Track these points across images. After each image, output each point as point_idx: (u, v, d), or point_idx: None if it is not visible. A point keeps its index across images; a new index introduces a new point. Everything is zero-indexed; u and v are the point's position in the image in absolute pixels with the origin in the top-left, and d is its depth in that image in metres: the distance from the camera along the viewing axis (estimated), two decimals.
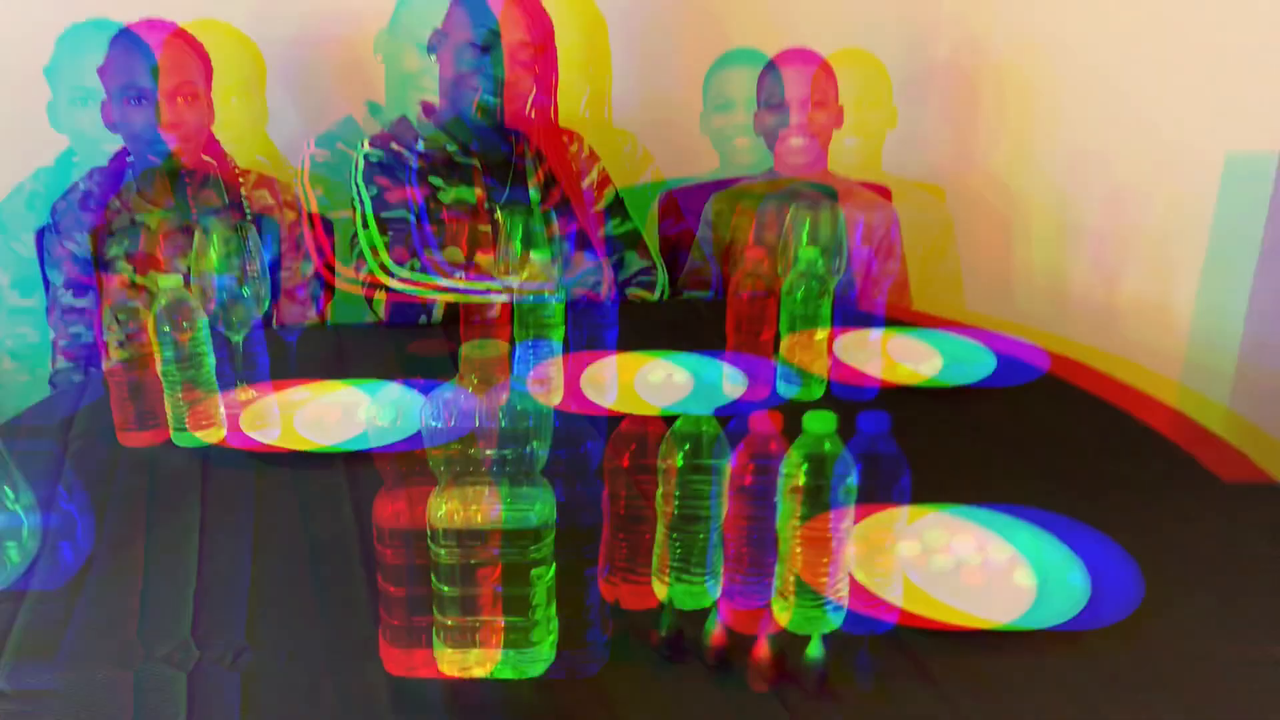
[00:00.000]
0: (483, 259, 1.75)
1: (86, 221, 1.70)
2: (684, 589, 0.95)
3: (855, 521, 0.89)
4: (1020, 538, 1.06)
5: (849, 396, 1.39)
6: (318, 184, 1.75)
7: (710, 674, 0.89)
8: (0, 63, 1.98)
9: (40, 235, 1.77)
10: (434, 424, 0.81)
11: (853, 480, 0.89)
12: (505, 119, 1.77)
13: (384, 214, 1.69)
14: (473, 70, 1.71)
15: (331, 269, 1.65)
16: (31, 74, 1.90)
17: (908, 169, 2.36)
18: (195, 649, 0.90)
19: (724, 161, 2.01)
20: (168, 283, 1.23)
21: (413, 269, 1.64)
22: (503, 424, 0.81)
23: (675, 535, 0.95)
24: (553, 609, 0.88)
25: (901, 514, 1.06)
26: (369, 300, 1.64)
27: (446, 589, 0.85)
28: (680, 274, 1.98)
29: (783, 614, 0.93)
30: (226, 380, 1.35)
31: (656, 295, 1.78)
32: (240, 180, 1.77)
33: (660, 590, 0.97)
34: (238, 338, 1.36)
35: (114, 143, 1.74)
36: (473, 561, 0.84)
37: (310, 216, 1.73)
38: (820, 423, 0.88)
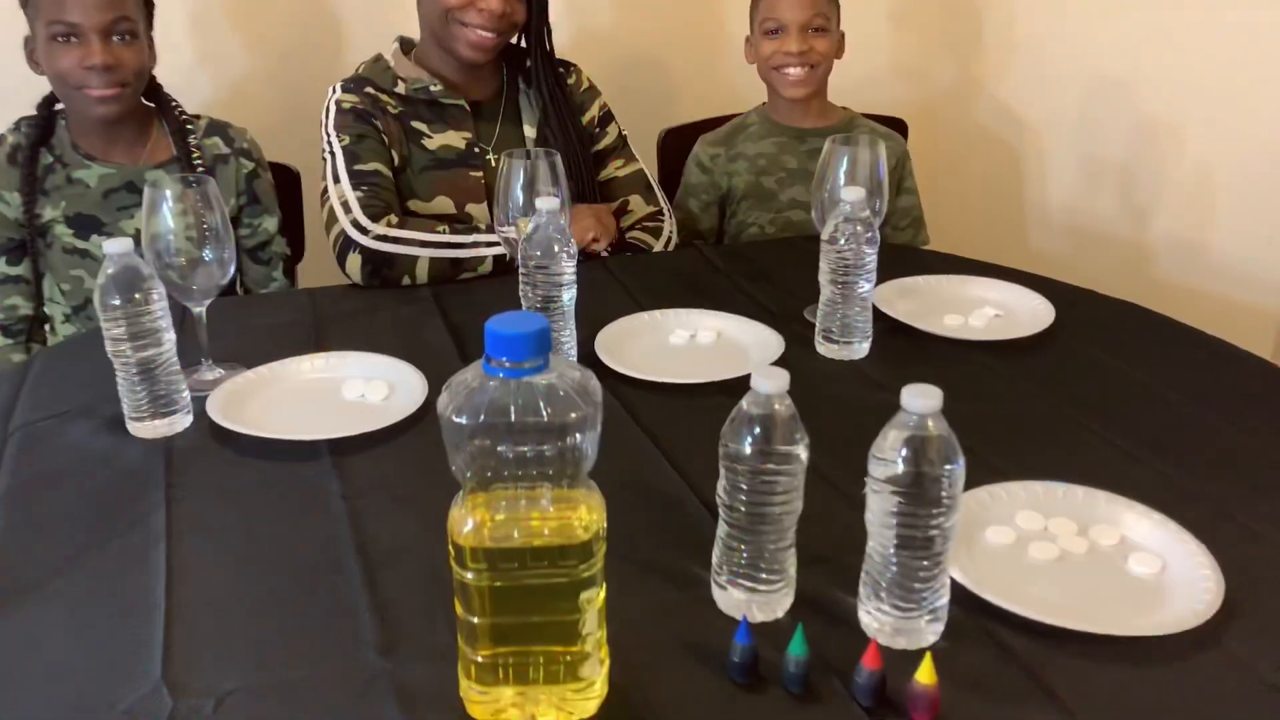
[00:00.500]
0: (475, 209, 1.57)
1: (15, 179, 1.49)
2: (760, 597, 0.80)
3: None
4: (1124, 515, 0.92)
5: (895, 354, 1.24)
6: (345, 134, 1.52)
7: (796, 704, 0.74)
8: None
9: None
10: (455, 417, 0.65)
11: (960, 467, 0.74)
12: (497, 52, 1.58)
13: (357, 166, 1.50)
14: (465, 1, 1.51)
15: (361, 228, 1.44)
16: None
17: (901, 100, 2.19)
18: (168, 696, 0.74)
19: (772, 95, 1.80)
20: (114, 247, 1.04)
21: (389, 224, 1.45)
22: (544, 413, 0.65)
23: (740, 536, 0.80)
24: (603, 634, 0.73)
25: (981, 496, 0.92)
26: (341, 262, 1.46)
27: (476, 618, 0.69)
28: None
29: (877, 629, 0.78)
30: (189, 358, 1.18)
31: (661, 244, 1.61)
32: (189, 127, 1.56)
33: (722, 597, 0.82)
34: (200, 308, 1.18)
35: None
36: (507, 584, 0.68)
37: (335, 168, 1.50)
38: (925, 398, 0.73)
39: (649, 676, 0.76)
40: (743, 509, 0.78)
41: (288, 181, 1.75)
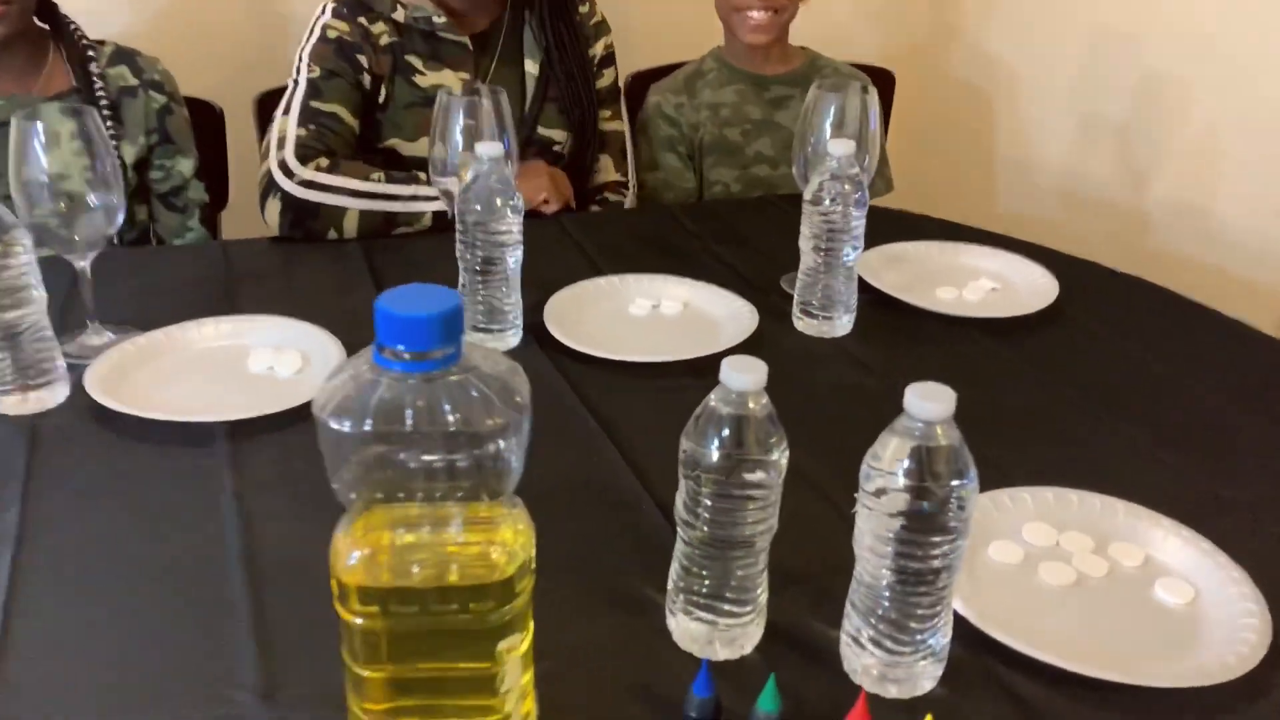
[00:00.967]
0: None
1: None
2: (724, 632, 0.67)
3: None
4: (1148, 530, 0.79)
5: (881, 331, 1.10)
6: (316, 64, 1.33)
7: None
8: None
9: None
10: (335, 423, 0.50)
11: (973, 484, 0.60)
12: None
13: (314, 103, 1.32)
14: None
15: (287, 170, 1.26)
16: None
17: (874, 48, 2.03)
18: None
19: (730, 37, 1.63)
20: None
21: (318, 168, 1.28)
22: (453, 420, 0.50)
23: (701, 560, 0.66)
24: (529, 680, 0.59)
25: (984, 503, 0.79)
26: (261, 208, 1.29)
27: (365, 670, 0.55)
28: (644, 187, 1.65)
29: (864, 672, 0.65)
30: (70, 321, 1.01)
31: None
32: (91, 54, 1.38)
33: (678, 628, 0.68)
34: (84, 262, 1.02)
35: None
36: (405, 631, 0.54)
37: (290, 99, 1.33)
38: (934, 401, 0.59)
39: None
40: (705, 528, 0.64)
41: (211, 121, 1.57)
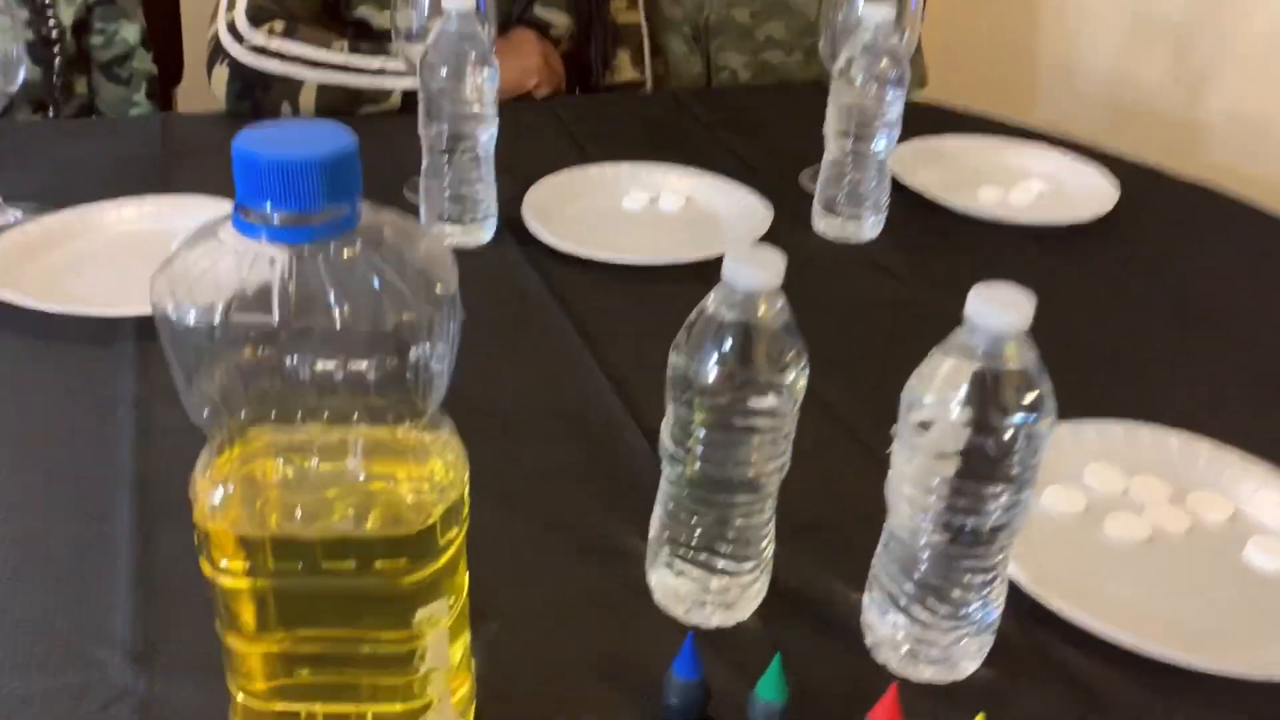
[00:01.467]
0: None
1: None
2: (717, 594, 0.54)
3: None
4: (1236, 477, 0.65)
5: (913, 236, 0.95)
6: None
7: None
8: None
9: None
10: (180, 315, 0.36)
11: (1048, 419, 0.46)
12: None
13: None
14: None
15: (236, 33, 1.08)
16: None
17: None
18: None
19: None
20: None
21: (272, 32, 1.11)
22: (344, 312, 0.36)
23: (691, 503, 0.52)
24: (464, 653, 0.46)
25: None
26: (208, 75, 1.12)
27: (238, 643, 0.42)
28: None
29: (893, 650, 0.52)
30: None
31: None
32: None
33: (661, 584, 0.55)
34: None
35: None
36: (290, 593, 0.40)
37: None
38: (1006, 308, 0.44)
39: None
40: (697, 464, 0.50)
41: None
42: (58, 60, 1.22)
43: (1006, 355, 0.45)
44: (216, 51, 1.11)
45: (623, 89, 1.37)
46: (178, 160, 1.04)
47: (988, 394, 0.45)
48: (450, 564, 0.41)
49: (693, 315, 0.49)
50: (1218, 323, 0.85)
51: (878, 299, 0.86)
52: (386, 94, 1.13)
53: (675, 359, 0.49)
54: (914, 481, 0.48)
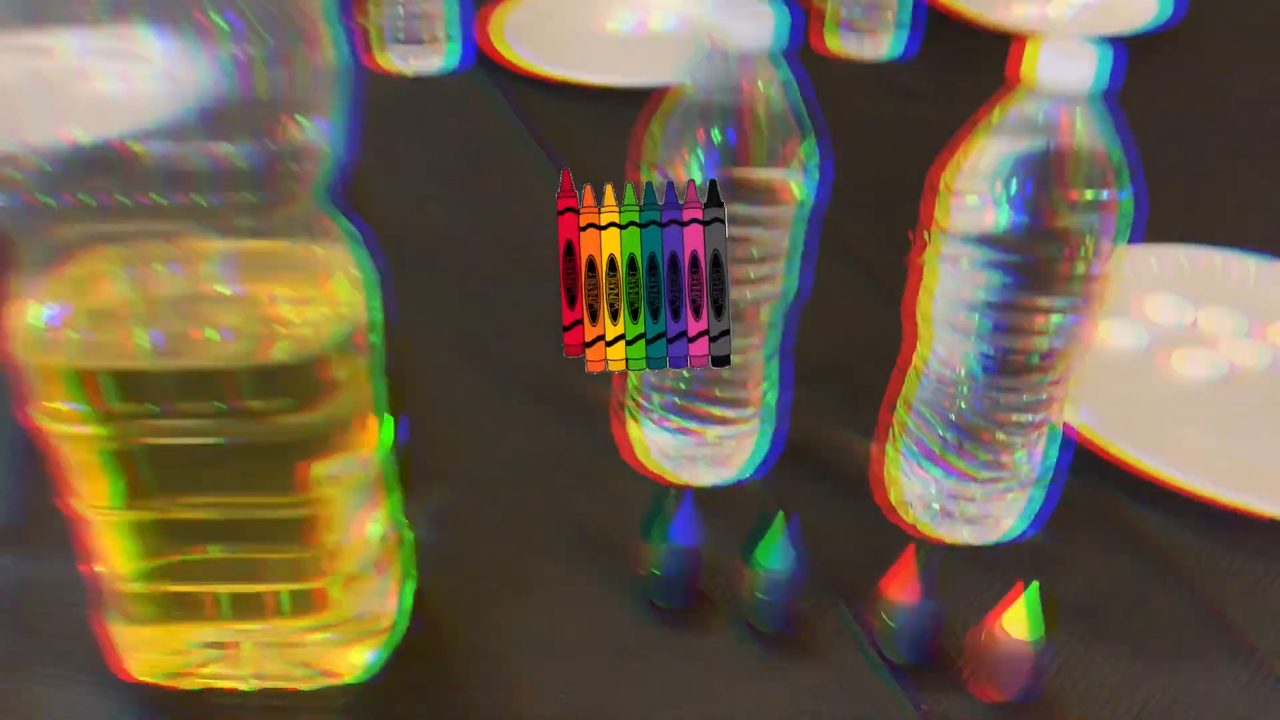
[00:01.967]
0: None
1: None
2: (710, 446, 0.45)
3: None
4: None
5: (938, 54, 0.84)
6: None
7: (771, 658, 0.39)
8: None
9: None
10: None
11: (1125, 198, 0.36)
12: None
13: None
14: None
15: None
16: None
17: None
18: None
19: None
20: None
21: None
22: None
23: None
24: (389, 532, 0.37)
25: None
26: None
27: (93, 511, 0.33)
28: None
29: (924, 508, 0.43)
30: None
31: None
32: None
33: (642, 437, 0.46)
34: None
35: None
36: (143, 444, 0.31)
37: None
38: (1074, 61, 0.34)
39: (494, 604, 0.41)
40: None
41: None
42: None
43: (1072, 127, 0.35)
44: None
45: None
46: None
47: (1049, 172, 0.35)
48: (352, 408, 0.32)
49: (668, 99, 0.39)
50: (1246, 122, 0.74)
51: (901, 121, 0.76)
52: None
53: (646, 151, 0.39)
54: (950, 297, 0.38)
